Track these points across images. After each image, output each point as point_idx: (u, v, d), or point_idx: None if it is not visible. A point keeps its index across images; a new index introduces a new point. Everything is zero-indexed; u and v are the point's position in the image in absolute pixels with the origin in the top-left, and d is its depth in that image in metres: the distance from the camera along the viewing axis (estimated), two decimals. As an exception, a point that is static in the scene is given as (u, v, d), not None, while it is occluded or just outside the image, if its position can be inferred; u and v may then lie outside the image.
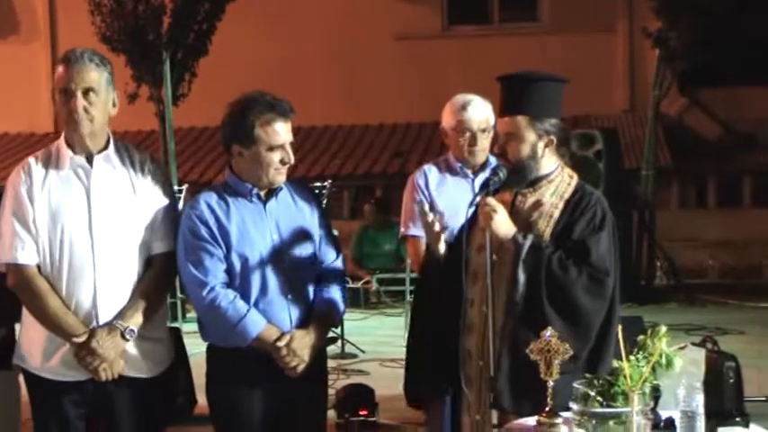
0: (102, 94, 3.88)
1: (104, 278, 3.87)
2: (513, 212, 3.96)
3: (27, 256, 3.86)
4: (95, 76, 3.86)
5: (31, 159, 3.96)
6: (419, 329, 4.39)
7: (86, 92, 3.85)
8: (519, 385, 3.76)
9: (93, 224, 3.88)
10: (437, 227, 4.07)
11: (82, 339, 3.82)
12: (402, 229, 5.16)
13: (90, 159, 3.92)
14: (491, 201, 3.86)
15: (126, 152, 4.01)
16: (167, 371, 4.09)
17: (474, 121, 4.95)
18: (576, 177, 4.03)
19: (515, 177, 3.96)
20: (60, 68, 3.89)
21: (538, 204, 3.96)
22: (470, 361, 4.02)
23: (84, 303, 3.86)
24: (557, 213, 3.93)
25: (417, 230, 4.98)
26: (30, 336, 3.96)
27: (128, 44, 12.65)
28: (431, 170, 5.12)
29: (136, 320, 3.87)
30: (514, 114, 3.96)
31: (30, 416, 4.07)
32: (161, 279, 4.01)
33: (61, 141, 3.96)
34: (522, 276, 3.80)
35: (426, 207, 4.13)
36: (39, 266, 3.88)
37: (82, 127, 3.86)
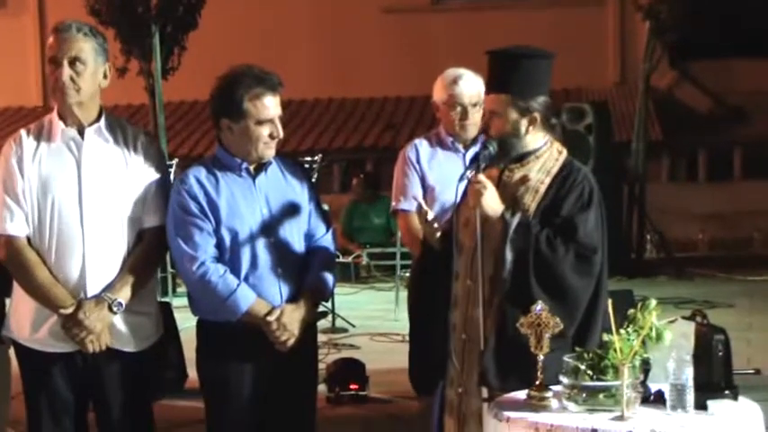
0: (91, 65, 3.86)
1: (93, 251, 3.86)
2: (500, 187, 3.95)
3: (16, 227, 3.86)
4: (83, 45, 3.84)
5: (23, 131, 3.95)
6: (420, 322, 4.37)
7: (73, 61, 3.83)
8: (505, 363, 3.76)
9: (83, 196, 3.87)
10: (436, 224, 4.06)
11: (69, 311, 3.82)
12: (393, 203, 5.15)
13: (81, 132, 3.91)
14: (481, 178, 3.85)
15: (118, 126, 4.01)
16: (156, 345, 4.08)
17: (465, 96, 4.94)
18: (564, 153, 4.02)
19: (499, 153, 3.95)
20: (50, 39, 3.88)
21: (524, 179, 3.95)
22: (455, 334, 4.02)
23: (73, 275, 3.86)
24: (543, 189, 3.92)
25: (408, 205, 4.98)
26: (19, 307, 3.96)
27: (116, 17, 12.56)
28: (422, 144, 5.11)
29: (124, 293, 3.87)
30: (498, 92, 3.95)
31: (21, 390, 4.07)
32: (151, 253, 4.00)
33: (53, 114, 3.95)
34: (509, 254, 3.80)
35: (422, 203, 4.13)
36: (29, 238, 3.88)
37: (68, 96, 3.85)
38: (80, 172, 3.88)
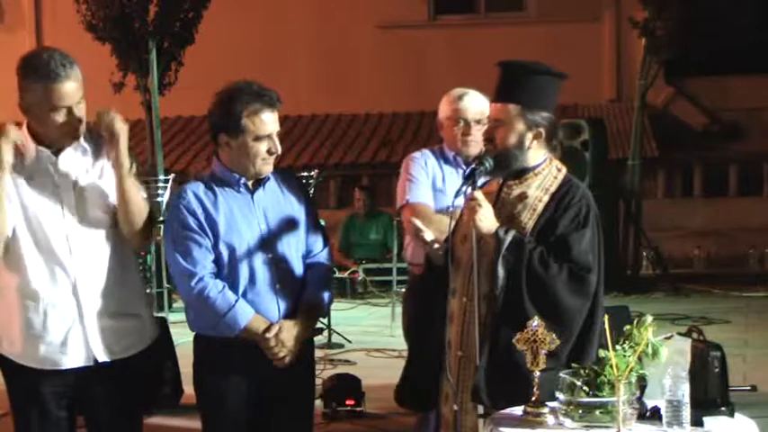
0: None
1: (81, 266, 3.83)
2: (498, 203, 3.96)
3: None
4: (78, 84, 3.76)
5: None
6: (419, 340, 4.31)
7: (78, 101, 3.76)
8: (496, 382, 3.76)
9: (65, 215, 3.80)
10: (437, 245, 4.04)
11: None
12: (399, 201, 5.07)
13: (56, 151, 3.83)
14: (478, 195, 3.85)
15: (89, 137, 3.92)
16: (150, 350, 4.04)
17: (469, 111, 4.95)
18: (564, 171, 4.01)
19: (500, 164, 3.95)
20: (41, 86, 3.72)
21: (522, 196, 3.95)
22: (450, 350, 4.02)
23: (65, 293, 3.83)
24: (540, 207, 3.92)
25: (414, 197, 4.96)
26: (9, 324, 3.88)
27: (114, 33, 12.61)
28: (429, 156, 5.11)
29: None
30: (507, 102, 3.95)
31: (8, 408, 4.02)
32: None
33: (23, 132, 3.83)
34: (501, 272, 3.79)
35: (420, 225, 4.10)
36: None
37: (79, 134, 3.81)
38: (59, 191, 3.81)
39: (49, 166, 3.83)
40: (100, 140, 3.92)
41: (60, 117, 3.76)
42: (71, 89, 3.74)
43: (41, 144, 3.83)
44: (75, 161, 3.86)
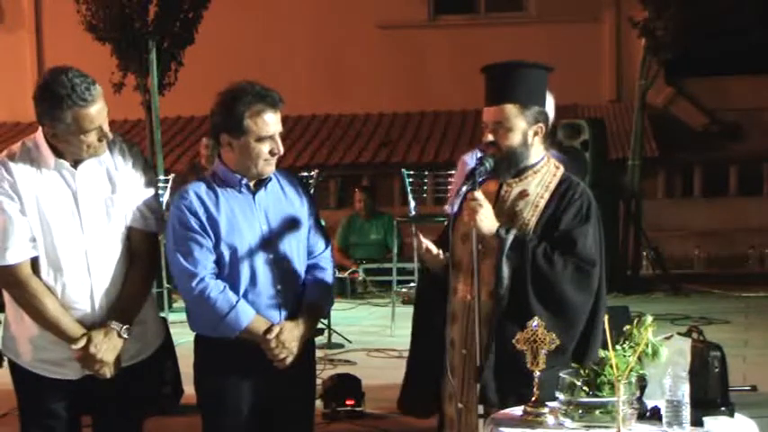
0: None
1: (98, 274, 3.80)
2: (499, 202, 3.97)
3: (17, 254, 3.73)
4: (104, 102, 3.72)
5: (6, 159, 3.77)
6: (420, 345, 4.27)
7: (105, 120, 3.75)
8: (504, 380, 3.76)
9: (83, 227, 3.79)
10: (441, 256, 4.03)
11: (81, 345, 3.76)
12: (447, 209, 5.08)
13: (74, 163, 3.81)
14: (478, 195, 3.85)
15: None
16: (157, 355, 4.05)
17: None
18: (561, 168, 4.04)
19: (505, 165, 3.95)
20: (71, 114, 3.63)
21: (523, 194, 3.96)
22: (453, 349, 4.02)
23: (83, 301, 3.81)
24: (542, 203, 3.93)
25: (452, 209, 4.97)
26: (18, 329, 3.88)
27: (114, 33, 12.60)
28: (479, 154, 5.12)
29: (130, 318, 3.84)
30: (502, 103, 3.95)
31: (7, 410, 4.02)
32: (147, 266, 3.94)
33: (40, 141, 3.79)
34: (506, 271, 3.80)
35: (421, 237, 4.10)
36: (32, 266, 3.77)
37: (103, 151, 3.81)
38: (79, 204, 3.79)
39: (69, 178, 3.80)
40: (112, 147, 3.90)
41: (91, 137, 3.73)
42: (99, 109, 3.70)
43: (59, 155, 3.79)
44: (94, 172, 3.84)
